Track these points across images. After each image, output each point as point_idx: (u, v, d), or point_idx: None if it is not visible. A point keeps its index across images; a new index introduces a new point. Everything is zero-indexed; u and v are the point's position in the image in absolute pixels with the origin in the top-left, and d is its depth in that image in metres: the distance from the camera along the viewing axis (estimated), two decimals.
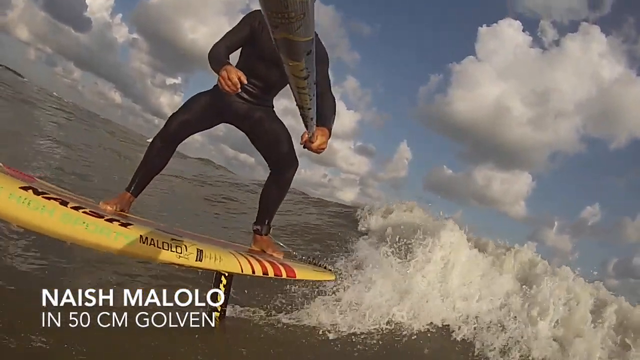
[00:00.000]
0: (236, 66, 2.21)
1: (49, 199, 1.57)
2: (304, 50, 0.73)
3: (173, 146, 2.18)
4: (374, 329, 2.69)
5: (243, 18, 2.20)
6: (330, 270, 2.69)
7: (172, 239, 1.79)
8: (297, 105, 1.19)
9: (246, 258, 2.02)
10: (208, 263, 1.86)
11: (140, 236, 1.69)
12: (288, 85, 2.31)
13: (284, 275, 2.20)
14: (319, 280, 2.56)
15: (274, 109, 2.45)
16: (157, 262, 1.73)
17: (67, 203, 1.60)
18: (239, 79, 1.79)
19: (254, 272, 2.03)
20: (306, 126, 1.36)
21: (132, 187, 2.14)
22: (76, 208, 1.60)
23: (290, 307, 2.58)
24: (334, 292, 2.79)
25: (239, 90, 1.85)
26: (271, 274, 2.12)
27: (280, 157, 2.28)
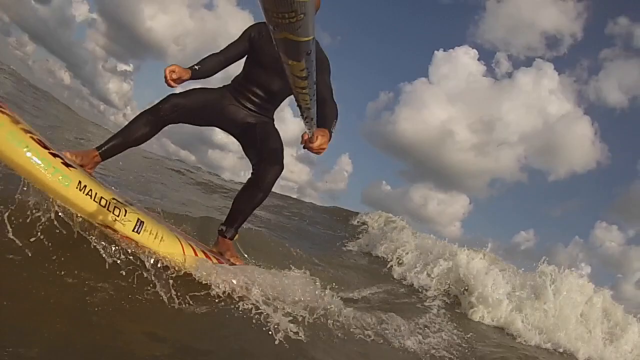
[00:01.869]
0: (239, 74, 2.30)
1: (3, 113, 1.46)
2: (304, 50, 0.74)
3: (159, 125, 2.06)
4: None
5: (243, 31, 2.24)
6: None
7: (113, 199, 1.59)
8: (297, 105, 1.19)
9: (192, 247, 1.76)
10: (146, 238, 1.63)
11: (79, 182, 1.52)
12: (289, 96, 2.27)
13: None
14: None
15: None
16: (87, 217, 1.52)
17: (19, 123, 1.49)
18: (173, 73, 1.94)
19: (195, 255, 1.75)
20: (306, 126, 1.38)
21: (103, 149, 2.00)
22: (25, 131, 1.48)
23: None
24: None
25: (170, 84, 1.95)
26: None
27: (265, 156, 2.09)
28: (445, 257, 4.61)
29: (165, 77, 1.94)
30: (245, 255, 2.25)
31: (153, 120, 2.04)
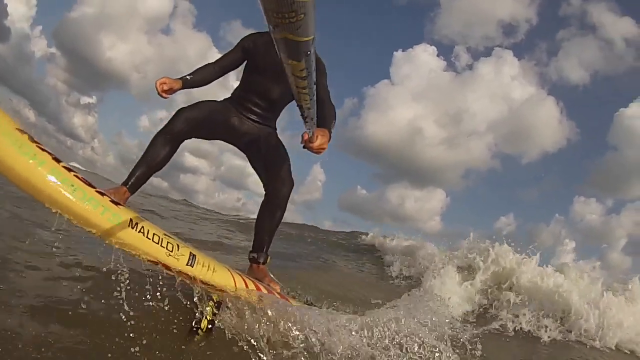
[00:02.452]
0: (239, 86, 2.33)
1: (43, 150, 1.35)
2: (303, 50, 0.74)
3: (176, 142, 2.03)
4: None
5: (238, 42, 2.28)
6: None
7: (165, 234, 1.52)
8: (297, 105, 1.19)
9: (241, 277, 1.72)
10: (200, 271, 1.57)
11: (130, 219, 1.43)
12: (289, 104, 2.29)
13: None
14: None
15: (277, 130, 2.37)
16: (140, 255, 1.44)
17: (61, 162, 1.37)
18: (164, 85, 2.01)
19: (247, 286, 1.72)
20: (306, 126, 1.36)
21: (129, 183, 1.92)
22: (68, 169, 1.37)
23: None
24: None
25: (162, 95, 2.01)
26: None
27: (274, 175, 2.13)
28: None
29: (157, 90, 2.00)
30: (280, 283, 2.20)
31: (170, 138, 2.01)
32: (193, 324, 1.61)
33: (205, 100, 2.21)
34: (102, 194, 1.42)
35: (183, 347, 1.59)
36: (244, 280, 1.71)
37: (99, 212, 1.37)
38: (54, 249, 2.26)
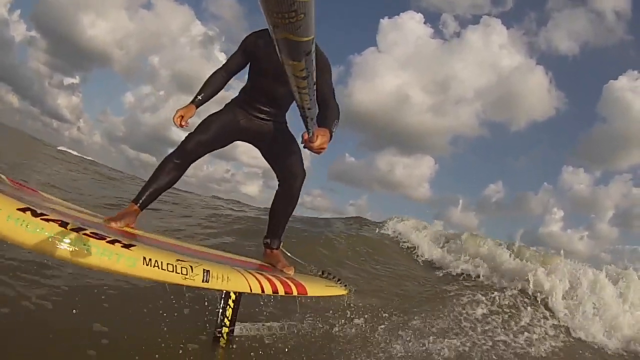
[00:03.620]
0: (246, 85, 2.38)
1: (48, 220, 1.49)
2: (304, 50, 0.74)
3: (187, 165, 2.18)
4: None
5: (240, 43, 2.32)
6: (344, 284, 2.59)
7: (177, 260, 1.70)
8: (297, 105, 1.20)
9: (254, 276, 1.92)
10: (215, 283, 1.76)
11: (144, 258, 1.60)
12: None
13: (295, 293, 2.11)
14: (331, 296, 2.45)
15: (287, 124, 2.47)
16: (162, 283, 1.65)
17: (67, 224, 1.52)
18: (181, 118, 2.13)
19: (263, 291, 1.94)
20: (306, 126, 1.37)
21: (140, 201, 2.10)
22: (76, 230, 1.52)
23: (301, 323, 2.48)
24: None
25: (182, 127, 2.13)
26: (281, 292, 2.02)
27: (287, 167, 2.27)
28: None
29: (175, 124, 2.13)
30: (295, 258, 2.45)
31: (180, 162, 2.16)
32: (216, 331, 1.86)
33: (212, 116, 2.32)
34: (113, 242, 1.58)
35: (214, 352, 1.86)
36: (259, 282, 1.91)
37: (115, 260, 1.54)
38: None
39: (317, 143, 1.58)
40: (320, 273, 2.63)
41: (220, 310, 2.12)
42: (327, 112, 1.92)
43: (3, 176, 1.93)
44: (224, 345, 2.04)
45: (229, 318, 2.12)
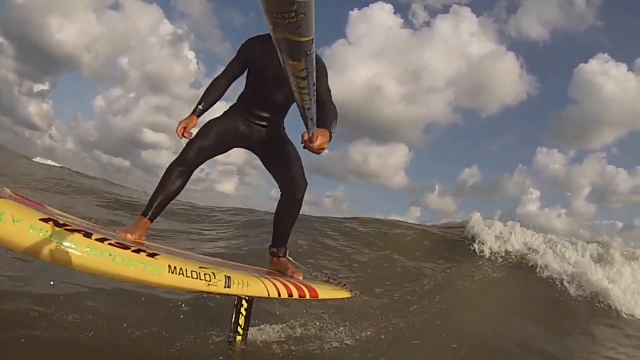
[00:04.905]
0: (244, 91, 2.38)
1: (72, 231, 1.47)
2: (304, 50, 0.74)
3: (190, 171, 2.18)
4: None
5: (238, 50, 2.33)
6: (347, 287, 2.66)
7: (200, 267, 1.71)
8: (297, 105, 1.20)
9: (271, 281, 1.96)
10: (236, 289, 1.79)
11: (169, 266, 1.60)
12: (293, 104, 2.40)
13: (308, 296, 2.16)
14: (338, 298, 2.51)
15: (286, 130, 2.48)
16: (187, 291, 1.66)
17: (91, 235, 1.51)
18: (183, 129, 2.17)
19: (279, 294, 1.98)
20: (306, 126, 1.36)
21: (149, 213, 2.07)
22: (101, 240, 1.51)
23: (312, 328, 2.53)
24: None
25: (186, 137, 2.17)
26: (296, 295, 2.07)
27: (289, 177, 2.28)
28: None
29: (178, 135, 2.18)
30: (299, 265, 2.49)
31: (184, 169, 2.16)
32: (230, 334, 1.89)
33: (212, 122, 2.32)
34: (138, 251, 1.57)
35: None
36: (275, 287, 1.95)
37: (141, 269, 1.53)
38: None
39: (317, 143, 1.57)
40: (326, 279, 2.69)
41: (234, 316, 2.13)
42: (325, 114, 1.94)
43: (7, 190, 1.86)
44: (238, 351, 2.06)
45: (243, 324, 2.14)
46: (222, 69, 2.36)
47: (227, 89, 2.33)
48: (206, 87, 2.33)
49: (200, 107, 2.25)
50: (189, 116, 2.23)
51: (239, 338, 2.13)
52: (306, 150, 1.59)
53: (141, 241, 1.96)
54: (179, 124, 2.19)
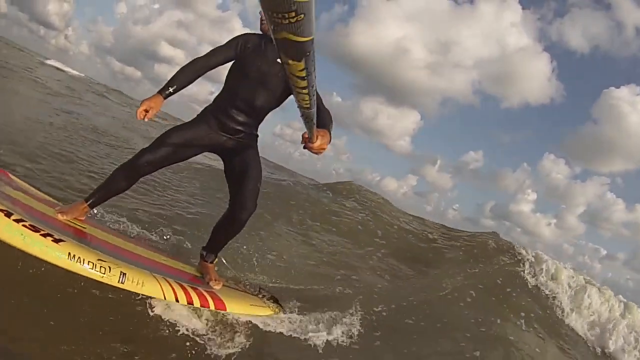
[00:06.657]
0: (222, 92, 2.38)
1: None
2: (303, 50, 0.74)
3: (135, 178, 2.30)
4: None
5: (229, 39, 2.30)
6: (276, 304, 2.74)
7: (99, 259, 1.98)
8: (297, 106, 1.22)
9: (171, 285, 2.16)
10: (130, 286, 2.03)
11: (69, 253, 1.90)
12: (273, 110, 2.43)
13: (212, 308, 2.31)
14: (256, 316, 2.61)
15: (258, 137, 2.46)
16: (84, 275, 1.94)
17: (11, 215, 1.86)
18: (145, 113, 2.06)
19: (177, 300, 2.17)
20: (306, 126, 1.37)
21: (90, 201, 2.32)
22: (18, 220, 1.85)
23: None
24: None
25: (144, 120, 2.07)
26: (197, 304, 2.24)
27: (239, 197, 2.27)
28: None
29: (139, 118, 2.07)
30: (232, 270, 2.64)
31: (129, 175, 2.30)
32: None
33: (173, 132, 2.29)
34: (45, 235, 1.88)
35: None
36: (173, 291, 2.15)
37: (45, 250, 1.85)
38: None
39: (317, 143, 1.57)
40: (257, 291, 2.81)
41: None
42: (323, 115, 1.97)
43: None
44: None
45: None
46: None
47: (202, 74, 2.24)
48: (184, 64, 2.23)
49: (171, 89, 2.15)
50: (155, 96, 2.13)
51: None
52: (306, 150, 1.59)
53: (73, 223, 2.29)
54: (142, 104, 2.08)
